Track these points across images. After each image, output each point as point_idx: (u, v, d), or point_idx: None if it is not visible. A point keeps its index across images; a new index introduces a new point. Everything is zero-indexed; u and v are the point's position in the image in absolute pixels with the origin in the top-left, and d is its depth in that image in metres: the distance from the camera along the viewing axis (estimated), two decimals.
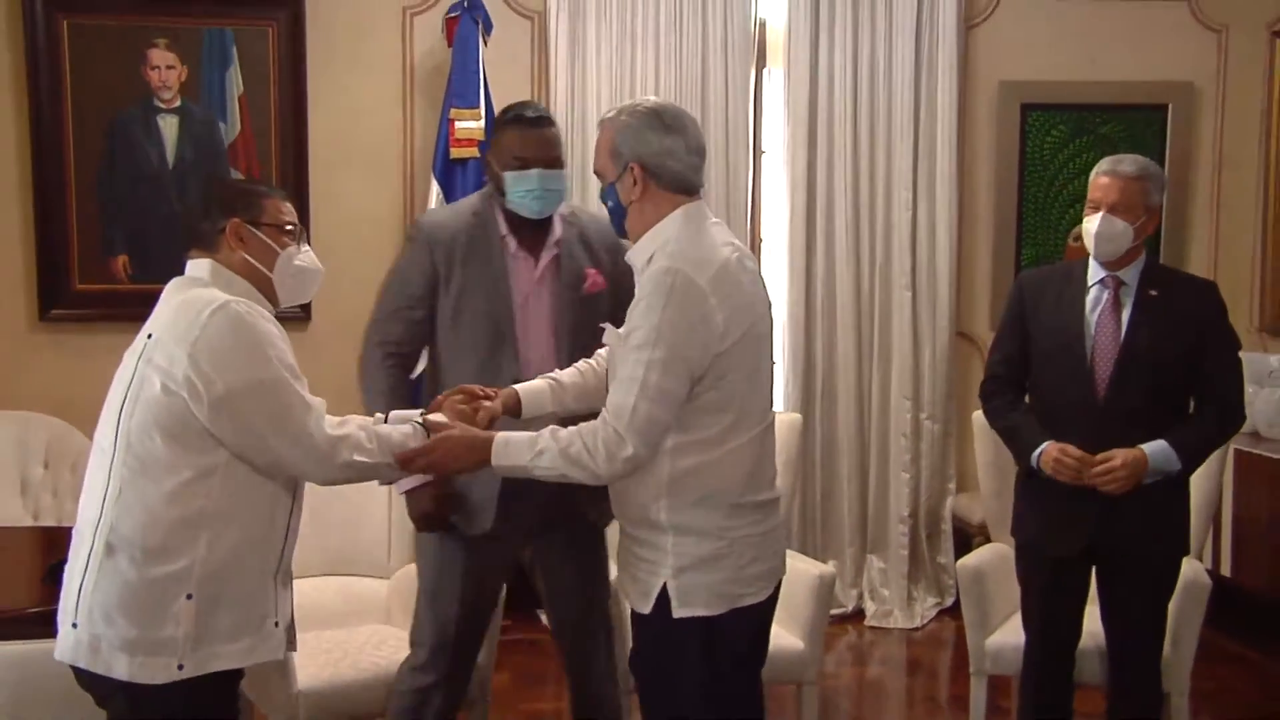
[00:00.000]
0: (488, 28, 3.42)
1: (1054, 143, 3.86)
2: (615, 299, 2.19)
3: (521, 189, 2.08)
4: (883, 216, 3.75)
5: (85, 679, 1.63)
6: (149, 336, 1.63)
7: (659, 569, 1.71)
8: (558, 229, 2.16)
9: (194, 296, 1.63)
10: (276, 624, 1.67)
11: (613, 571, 2.15)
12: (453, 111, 3.36)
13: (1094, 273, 2.27)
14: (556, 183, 2.11)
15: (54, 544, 2.51)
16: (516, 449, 1.69)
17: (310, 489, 1.75)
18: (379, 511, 2.69)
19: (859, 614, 3.78)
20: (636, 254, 1.74)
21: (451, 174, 3.37)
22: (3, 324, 3.40)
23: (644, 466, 1.66)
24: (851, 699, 3.26)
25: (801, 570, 2.56)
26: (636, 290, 1.70)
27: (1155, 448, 2.18)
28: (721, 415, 1.68)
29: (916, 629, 3.71)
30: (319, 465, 1.65)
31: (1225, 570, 3.50)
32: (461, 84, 3.34)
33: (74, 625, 1.60)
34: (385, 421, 1.82)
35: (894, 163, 3.73)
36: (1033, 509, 2.32)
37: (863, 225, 3.74)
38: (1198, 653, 2.53)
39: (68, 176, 3.36)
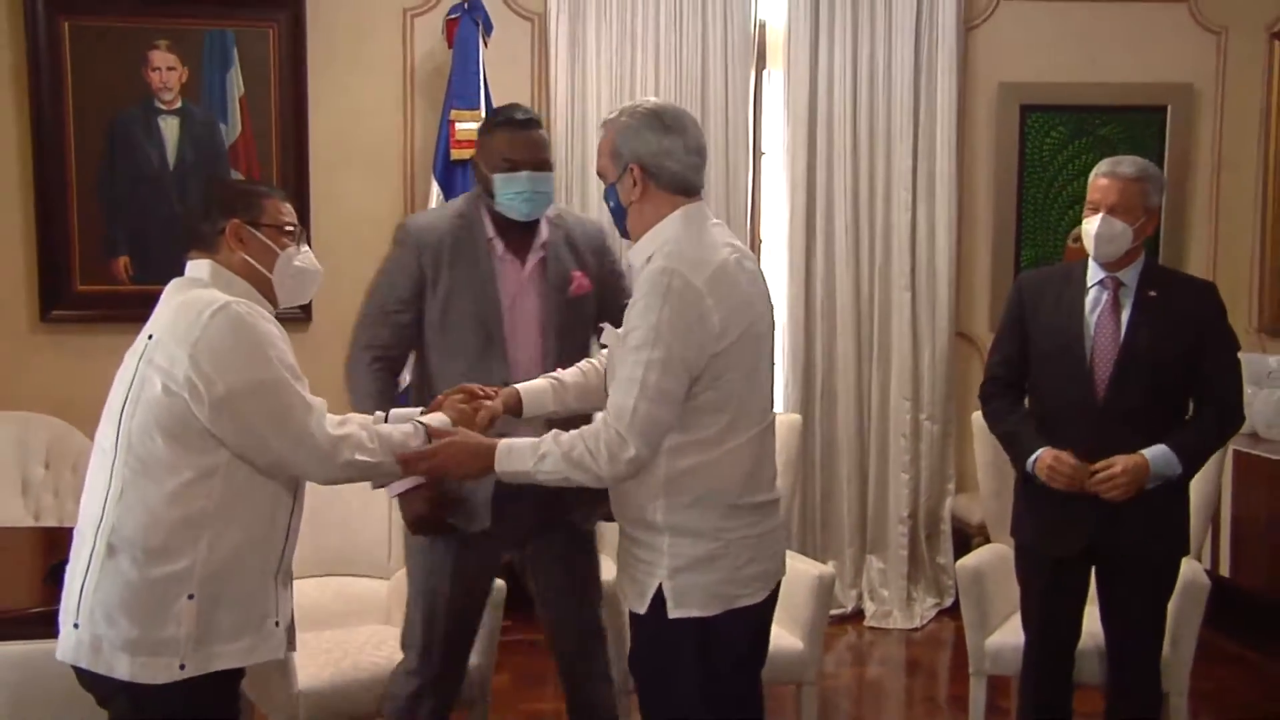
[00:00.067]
0: (488, 29, 3.43)
1: (1053, 144, 3.87)
2: (601, 301, 2.20)
3: (511, 191, 2.08)
4: (882, 217, 3.75)
5: (87, 679, 1.63)
6: (149, 337, 1.64)
7: (655, 569, 1.72)
8: (544, 231, 2.16)
9: (194, 297, 1.63)
10: (277, 624, 1.68)
11: (612, 571, 2.15)
12: (453, 113, 3.37)
13: (1093, 274, 2.28)
14: (545, 185, 2.11)
15: (55, 544, 2.51)
16: (519, 455, 1.69)
17: (310, 489, 1.76)
18: (379, 512, 2.69)
19: (858, 614, 3.78)
20: (636, 254, 1.75)
21: (452, 175, 3.38)
22: (4, 325, 3.41)
23: (647, 467, 1.66)
24: (851, 699, 3.26)
25: (801, 571, 2.57)
26: (634, 290, 1.70)
27: (1156, 453, 2.18)
28: (719, 415, 1.68)
29: (916, 629, 3.72)
30: (321, 465, 1.65)
31: (1224, 570, 3.51)
32: (462, 85, 3.34)
33: (75, 626, 1.60)
34: (385, 420, 1.83)
35: (893, 164, 3.73)
36: (1032, 509, 2.32)
37: (862, 226, 3.74)
38: (1196, 653, 2.54)
39: (69, 178, 3.37)
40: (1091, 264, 2.28)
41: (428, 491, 2.04)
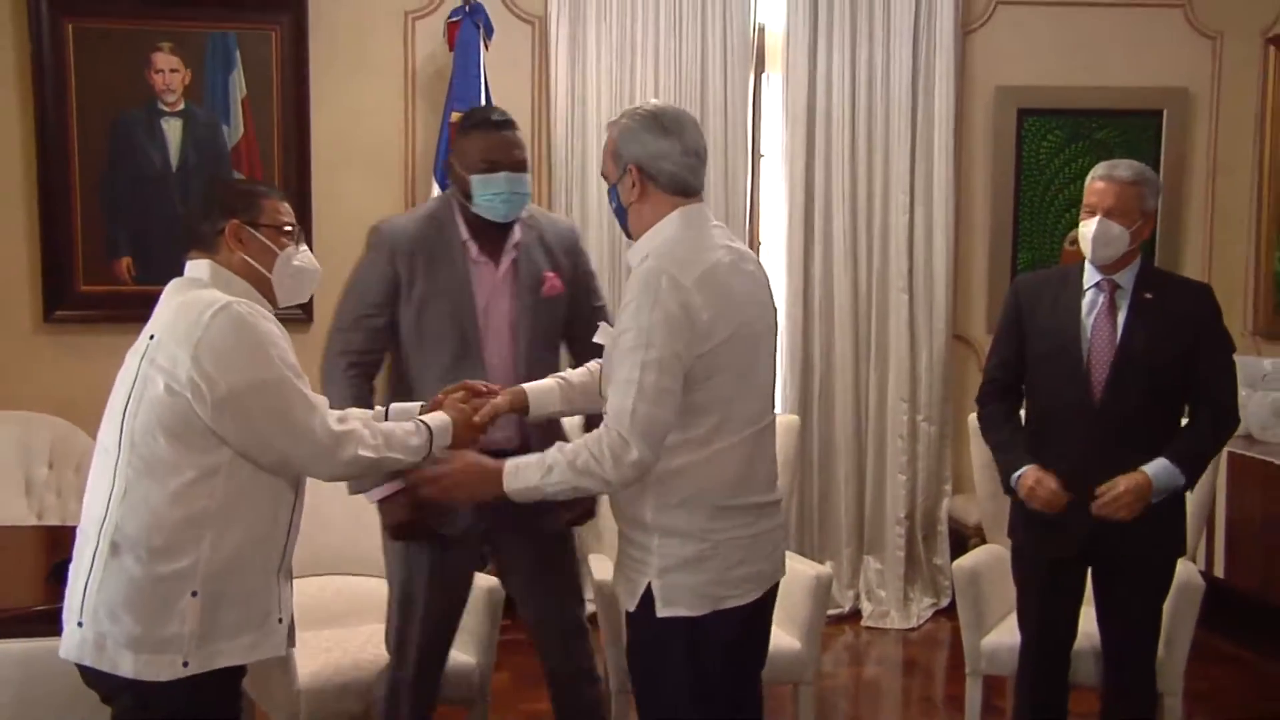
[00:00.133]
0: (489, 32, 3.44)
1: (1050, 147, 3.89)
2: (573, 301, 2.20)
3: (489, 192, 2.07)
4: (880, 220, 3.77)
5: (90, 677, 1.64)
6: (151, 337, 1.64)
7: (645, 568, 1.72)
8: (517, 232, 2.16)
9: (195, 298, 1.64)
10: (280, 620, 1.69)
11: (608, 571, 2.17)
12: (454, 115, 3.36)
13: (1089, 276, 2.29)
14: (523, 186, 2.11)
15: (58, 543, 2.52)
16: (526, 471, 1.70)
17: (312, 488, 1.77)
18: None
19: (856, 614, 3.79)
20: (634, 254, 1.76)
21: None
22: (7, 325, 3.42)
23: (651, 469, 1.66)
24: (848, 699, 3.27)
25: (799, 571, 2.58)
26: (626, 292, 1.71)
27: (1158, 469, 2.19)
28: (707, 416, 1.68)
29: (913, 629, 3.73)
30: (324, 462, 1.67)
31: (1219, 572, 3.52)
32: (463, 88, 3.35)
33: (79, 624, 1.61)
34: (386, 416, 1.84)
35: (891, 167, 3.75)
36: (1029, 511, 2.32)
37: (860, 228, 3.76)
38: (1191, 653, 2.54)
39: (72, 179, 3.38)
40: (1088, 267, 2.29)
41: (408, 497, 2.04)
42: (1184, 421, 2.31)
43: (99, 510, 1.63)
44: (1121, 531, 2.22)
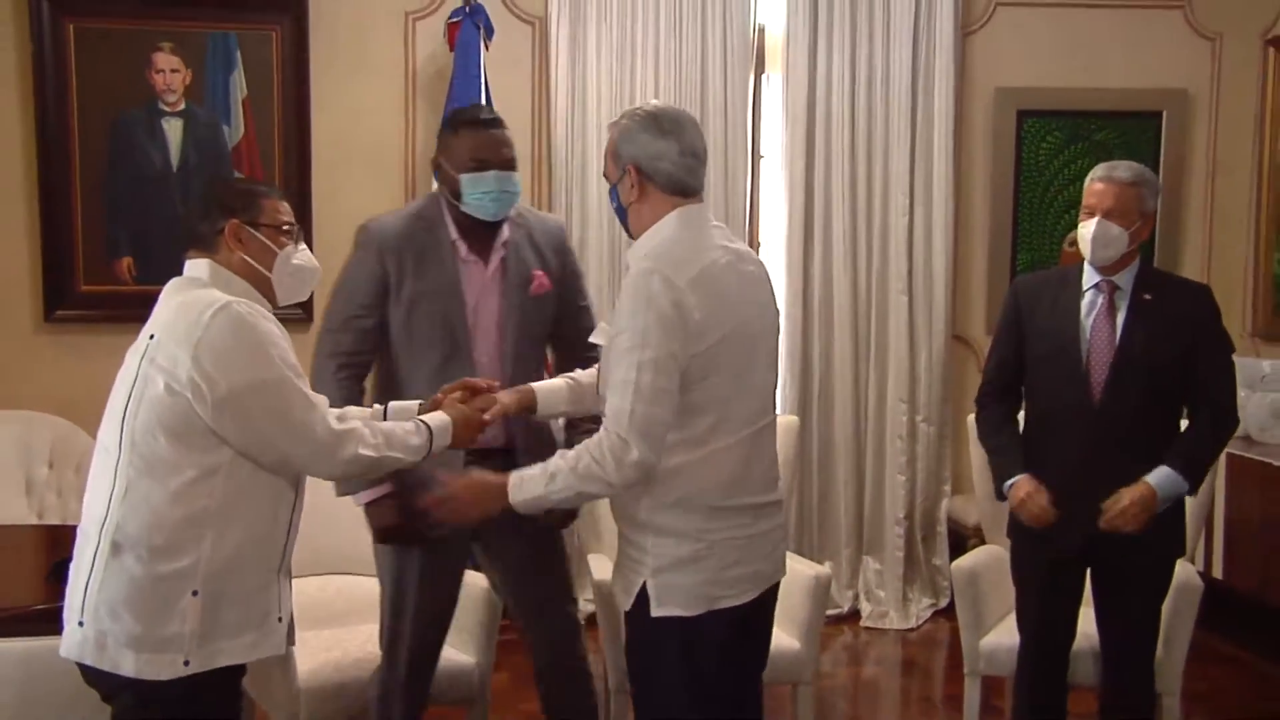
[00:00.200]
0: (489, 33, 3.44)
1: (1049, 149, 3.89)
2: (560, 300, 2.20)
3: (479, 191, 2.07)
4: (880, 221, 3.77)
5: (91, 676, 1.65)
6: (151, 337, 1.65)
7: (641, 568, 1.73)
8: (505, 230, 2.15)
9: (195, 298, 1.64)
10: (280, 619, 1.69)
11: (605, 571, 2.17)
12: None
13: (1089, 277, 2.29)
14: (512, 184, 2.11)
15: (58, 542, 2.52)
16: (531, 483, 1.71)
17: (312, 488, 1.77)
18: None
19: (855, 615, 3.80)
20: (633, 254, 1.76)
21: None
22: (8, 325, 3.42)
23: (654, 469, 1.66)
24: (847, 699, 3.28)
25: (798, 571, 2.58)
26: (621, 292, 1.71)
27: (1161, 478, 2.19)
28: (702, 416, 1.68)
29: (912, 630, 3.74)
30: (325, 460, 1.67)
31: (1217, 572, 3.53)
32: (463, 88, 3.35)
33: (80, 623, 1.62)
34: (385, 416, 1.84)
35: (891, 168, 3.75)
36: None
37: (860, 229, 3.76)
38: (1190, 654, 2.55)
39: (73, 179, 3.38)
40: (1087, 267, 2.30)
41: (395, 501, 2.05)
42: (1183, 422, 2.32)
43: (100, 510, 1.63)
44: (1120, 532, 2.22)
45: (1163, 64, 3.90)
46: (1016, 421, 2.41)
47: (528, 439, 2.13)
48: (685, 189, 1.75)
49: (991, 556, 2.72)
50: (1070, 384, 2.25)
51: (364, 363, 2.14)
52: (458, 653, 2.45)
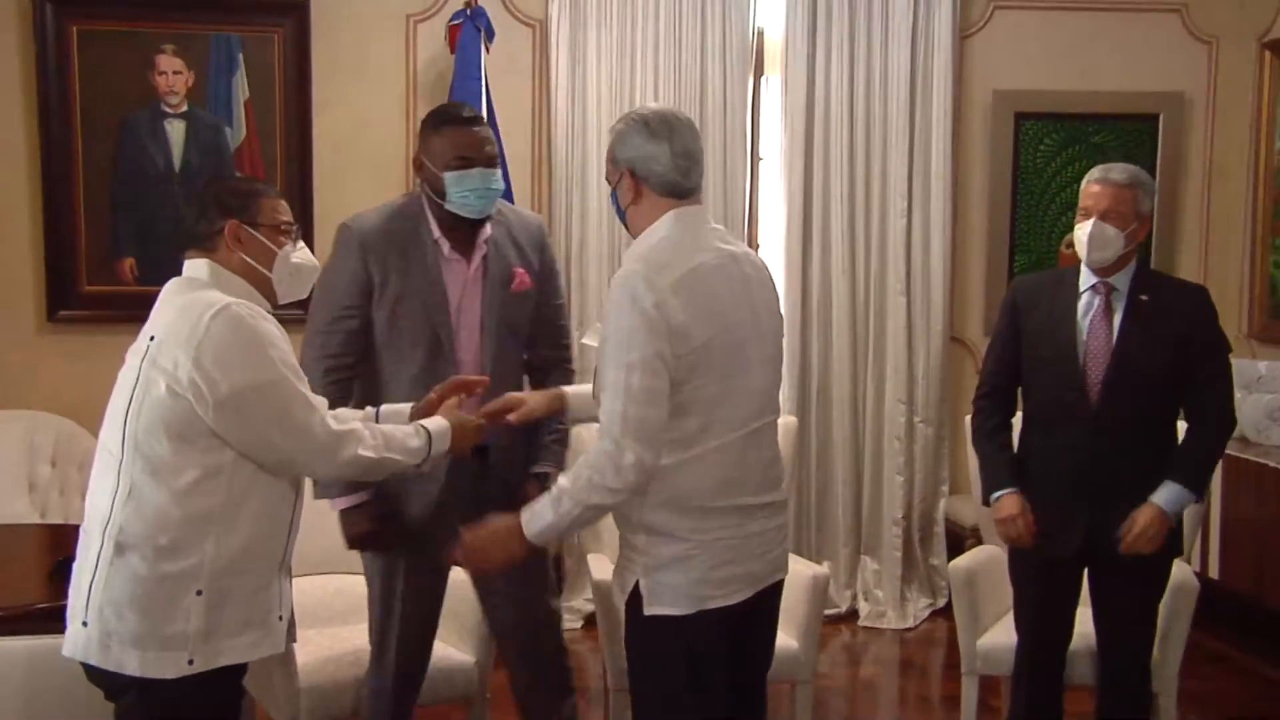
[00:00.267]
0: (490, 35, 3.46)
1: (1047, 151, 3.91)
2: (542, 297, 2.20)
3: (464, 189, 2.06)
4: (878, 223, 3.79)
5: (95, 674, 1.66)
6: (151, 339, 1.65)
7: (634, 566, 1.74)
8: (487, 228, 2.14)
9: (195, 299, 1.65)
10: (281, 617, 1.70)
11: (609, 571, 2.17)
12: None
13: (1086, 279, 2.30)
14: (496, 181, 2.10)
15: (61, 541, 2.53)
16: (540, 511, 1.72)
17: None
18: None
19: (853, 614, 3.81)
20: (627, 257, 1.77)
21: None
22: (11, 325, 3.43)
23: (653, 468, 1.66)
24: (845, 698, 3.29)
25: (796, 571, 2.58)
26: (609, 295, 1.72)
27: (1168, 495, 2.21)
28: (687, 419, 1.68)
29: (909, 629, 3.75)
30: (325, 461, 1.68)
31: (1213, 573, 3.54)
32: (464, 91, 3.36)
33: (84, 624, 1.62)
34: (377, 418, 1.85)
35: (889, 170, 3.77)
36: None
37: (858, 231, 3.78)
38: (1186, 654, 2.56)
39: (76, 180, 3.39)
40: (1084, 269, 2.31)
41: (370, 509, 2.06)
42: (1179, 422, 2.33)
43: (103, 511, 1.64)
44: (1117, 532, 2.23)
45: (1160, 67, 3.92)
46: (1009, 428, 2.42)
47: (500, 433, 2.12)
48: (679, 191, 1.76)
49: (989, 557, 2.73)
50: (1067, 385, 2.27)
51: (350, 365, 2.12)
52: (457, 651, 2.46)
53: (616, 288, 1.68)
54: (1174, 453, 2.27)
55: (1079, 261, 2.32)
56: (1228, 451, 3.39)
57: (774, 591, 1.84)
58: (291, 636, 1.78)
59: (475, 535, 1.77)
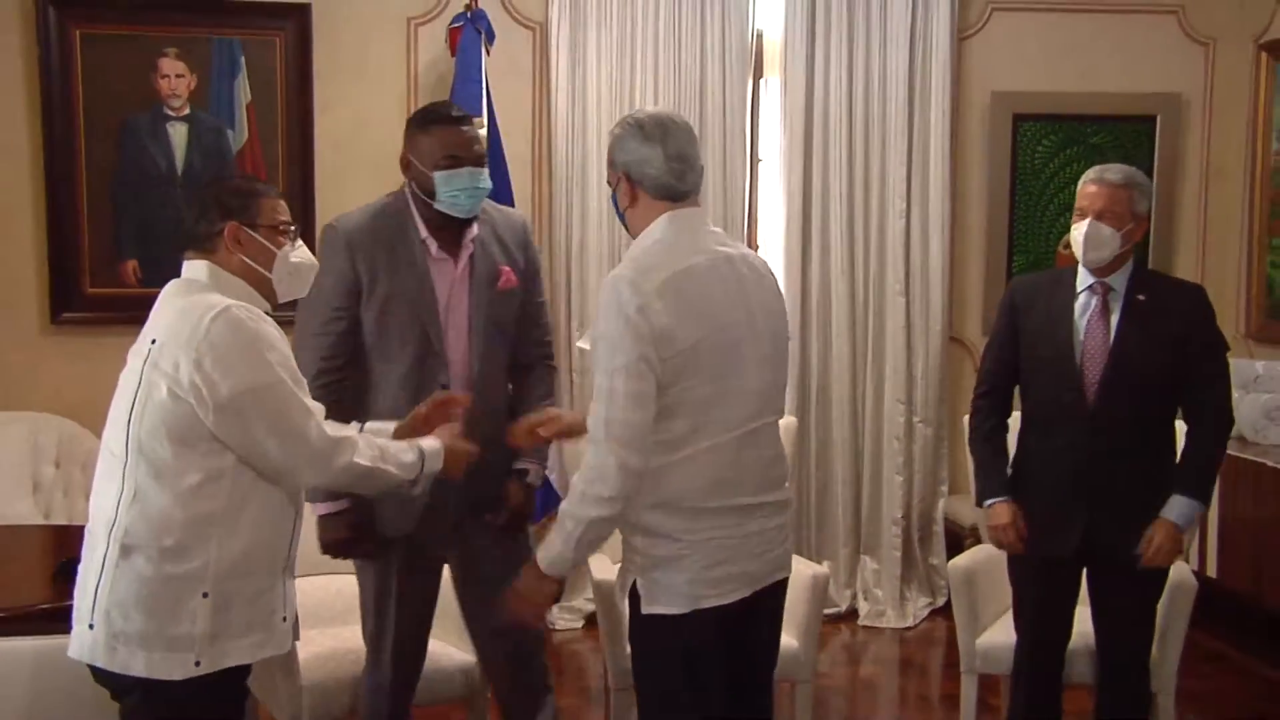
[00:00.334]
0: (490, 38, 3.47)
1: (1045, 152, 3.92)
2: (526, 295, 2.21)
3: (454, 188, 2.05)
4: (877, 224, 3.80)
5: (101, 675, 1.66)
6: (153, 341, 1.65)
7: (632, 566, 1.76)
8: (473, 227, 2.14)
9: (195, 301, 1.65)
10: (284, 618, 1.71)
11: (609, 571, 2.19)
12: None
13: (1083, 279, 2.31)
14: (485, 180, 2.10)
15: (65, 542, 2.55)
16: (550, 542, 1.75)
17: None
18: None
19: (852, 614, 3.82)
20: (625, 258, 1.79)
21: None
22: (15, 327, 3.44)
23: (641, 471, 1.67)
24: (845, 697, 3.30)
25: (796, 571, 2.57)
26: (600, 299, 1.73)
27: (1178, 510, 2.23)
28: (675, 420, 1.68)
29: (909, 629, 3.76)
30: (319, 468, 1.67)
31: (1211, 572, 3.54)
32: (464, 93, 3.37)
33: (90, 626, 1.63)
34: (360, 433, 1.84)
35: (888, 171, 3.78)
36: (1024, 511, 2.35)
37: (857, 232, 3.79)
38: (1184, 653, 2.56)
39: (79, 182, 3.40)
40: (1081, 269, 2.31)
41: (349, 518, 2.07)
42: (1177, 422, 2.34)
43: (108, 514, 1.64)
44: (1116, 532, 2.24)
45: (1157, 69, 3.93)
46: (1006, 429, 2.43)
47: (488, 429, 2.13)
48: (674, 194, 1.76)
49: (988, 556, 2.73)
50: (1064, 385, 2.27)
51: (340, 368, 2.10)
52: (458, 651, 2.47)
53: (604, 293, 1.70)
54: (1177, 465, 2.27)
55: (1077, 262, 2.33)
56: (1226, 451, 3.42)
57: (775, 591, 1.85)
58: (295, 635, 1.78)
59: (509, 593, 1.81)
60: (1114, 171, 2.30)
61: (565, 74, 3.61)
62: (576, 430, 1.89)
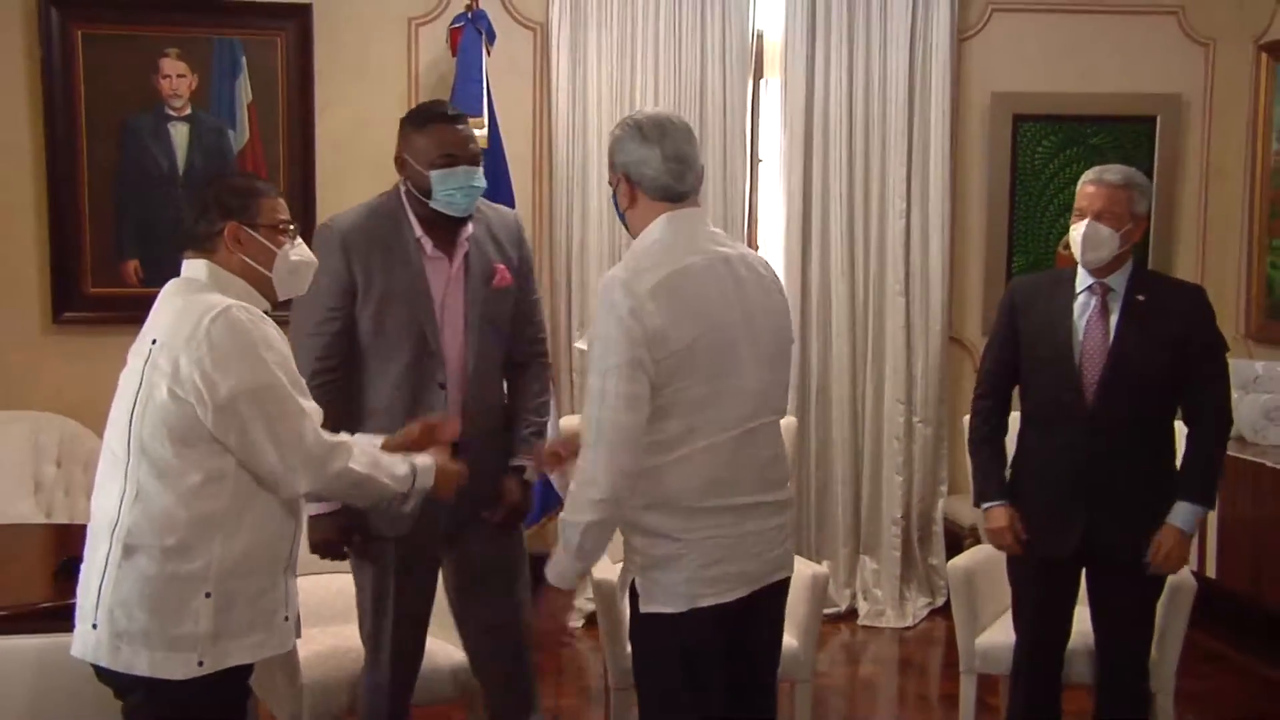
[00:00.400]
0: (491, 38, 3.47)
1: (1045, 153, 3.93)
2: (520, 293, 2.21)
3: (450, 186, 2.05)
4: (877, 224, 3.80)
5: (104, 674, 1.66)
6: (153, 342, 1.65)
7: (632, 565, 1.77)
8: (468, 225, 2.14)
9: (195, 301, 1.65)
10: (286, 618, 1.72)
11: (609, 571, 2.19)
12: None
13: (1082, 279, 2.31)
14: (479, 179, 2.10)
15: (66, 541, 2.56)
16: (556, 557, 1.76)
17: None
18: None
19: (852, 613, 3.82)
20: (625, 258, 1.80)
21: None
22: (16, 327, 3.45)
23: (633, 471, 1.67)
24: (844, 697, 3.30)
25: (796, 570, 2.58)
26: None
27: (1183, 516, 2.23)
28: (669, 421, 1.69)
29: (908, 628, 3.76)
30: (314, 472, 1.66)
31: (1210, 572, 3.55)
32: (465, 93, 3.38)
33: (93, 626, 1.63)
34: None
35: (888, 172, 3.79)
36: (1024, 511, 2.36)
37: (857, 232, 3.79)
38: (1183, 653, 2.56)
39: (80, 182, 3.41)
40: (1080, 270, 2.31)
41: (339, 520, 2.08)
42: (1176, 423, 2.34)
43: (110, 514, 1.64)
44: (1115, 532, 2.25)
45: (1157, 69, 3.94)
46: (1005, 431, 2.43)
47: (484, 426, 2.14)
48: (672, 194, 1.76)
49: (987, 556, 2.73)
50: (1063, 385, 2.28)
51: (334, 368, 2.09)
52: (458, 650, 2.48)
53: (600, 294, 1.70)
54: (1180, 470, 2.27)
55: (1076, 262, 2.33)
56: (1226, 452, 3.42)
57: (775, 591, 1.85)
58: (297, 633, 1.78)
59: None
60: (1113, 172, 2.30)
61: (566, 74, 3.62)
62: None
